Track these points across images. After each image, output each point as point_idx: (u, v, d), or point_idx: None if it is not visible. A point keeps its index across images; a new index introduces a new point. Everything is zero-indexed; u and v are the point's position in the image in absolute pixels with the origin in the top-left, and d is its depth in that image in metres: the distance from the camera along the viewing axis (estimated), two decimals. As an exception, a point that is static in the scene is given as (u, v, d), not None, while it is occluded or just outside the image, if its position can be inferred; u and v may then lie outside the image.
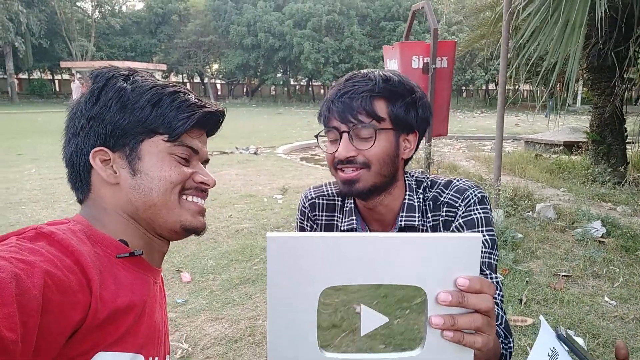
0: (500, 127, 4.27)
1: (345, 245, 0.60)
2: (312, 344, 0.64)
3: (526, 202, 4.79)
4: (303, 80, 42.19)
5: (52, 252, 0.67)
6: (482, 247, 1.09)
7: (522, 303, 2.96)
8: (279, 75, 39.08)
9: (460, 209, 1.11)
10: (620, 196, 5.37)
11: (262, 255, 3.74)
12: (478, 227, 1.10)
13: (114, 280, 0.76)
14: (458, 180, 1.17)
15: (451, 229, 1.13)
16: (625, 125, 6.11)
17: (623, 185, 5.71)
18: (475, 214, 1.11)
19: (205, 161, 0.94)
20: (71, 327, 0.66)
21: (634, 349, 2.46)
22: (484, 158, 9.01)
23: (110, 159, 0.83)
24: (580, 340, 2.70)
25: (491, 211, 1.15)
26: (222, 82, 44.27)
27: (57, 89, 39.71)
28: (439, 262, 0.61)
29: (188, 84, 41.83)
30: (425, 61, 4.94)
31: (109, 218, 0.84)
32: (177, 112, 0.84)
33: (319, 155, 11.15)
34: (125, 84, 0.84)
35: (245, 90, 44.84)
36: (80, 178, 0.85)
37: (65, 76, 37.94)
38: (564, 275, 3.37)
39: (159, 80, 0.90)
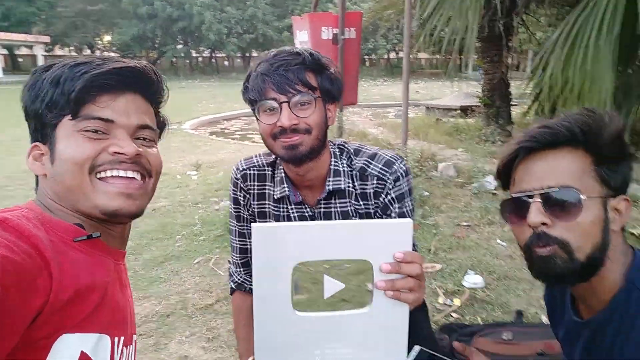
0: (406, 94, 4.57)
1: (312, 231, 0.79)
2: (288, 306, 0.82)
3: (430, 162, 5.22)
4: (206, 52, 40.47)
5: (7, 238, 0.66)
6: (408, 214, 1.28)
7: (431, 252, 3.31)
8: (179, 46, 37.03)
9: (389, 182, 1.24)
10: (508, 153, 6.04)
11: (184, 232, 3.71)
12: (406, 198, 1.27)
13: (72, 264, 0.75)
14: (383, 153, 1.29)
15: (381, 199, 1.26)
16: (510, 89, 6.82)
17: (510, 143, 6.42)
18: (403, 187, 1.26)
19: (141, 127, 0.85)
20: (33, 311, 0.66)
21: (520, 279, 2.89)
22: (390, 124, 9.52)
23: (44, 153, 0.82)
24: (479, 278, 3.05)
25: (412, 177, 1.30)
26: (117, 54, 40.94)
27: None
28: (381, 241, 0.81)
29: (77, 58, 38.16)
30: (334, 32, 5.07)
31: (56, 206, 0.83)
32: (72, 83, 0.78)
33: (229, 129, 10.97)
34: (44, 74, 0.80)
35: (143, 64, 42.04)
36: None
37: None
38: (465, 225, 3.79)
39: (95, 57, 0.84)
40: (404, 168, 1.27)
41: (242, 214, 1.41)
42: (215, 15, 32.39)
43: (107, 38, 38.46)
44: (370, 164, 1.27)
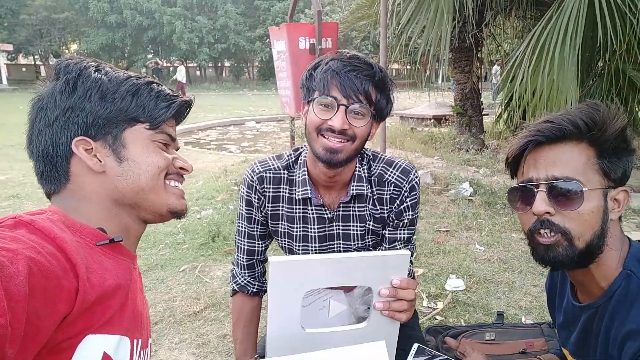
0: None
1: (322, 263, 0.88)
2: (298, 324, 0.93)
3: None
4: (177, 62, 40.00)
5: (33, 240, 0.67)
6: (412, 225, 1.37)
7: (413, 257, 3.38)
8: (149, 56, 36.49)
9: (405, 190, 1.32)
10: (482, 160, 6.24)
11: (167, 240, 3.68)
12: (417, 206, 1.35)
13: (99, 265, 0.77)
14: (398, 160, 1.36)
15: (396, 205, 1.33)
16: (481, 99, 7.05)
17: (483, 151, 6.63)
18: (417, 197, 1.34)
19: (176, 149, 1.00)
20: (60, 313, 0.67)
21: (499, 282, 3.00)
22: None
23: (92, 148, 0.84)
24: (460, 282, 3.13)
25: None
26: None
27: None
28: (382, 270, 0.92)
29: (42, 67, 37.03)
30: (311, 42, 5.14)
31: (90, 206, 0.84)
32: (157, 102, 0.90)
33: (205, 139, 10.90)
34: (99, 75, 0.85)
35: (112, 73, 41.09)
36: (56, 169, 0.84)
37: None
38: (444, 231, 3.89)
39: (125, 71, 0.92)
40: (418, 177, 1.35)
41: (253, 216, 1.41)
42: (186, 25, 32.11)
43: (74, 47, 37.48)
44: (388, 170, 1.33)
